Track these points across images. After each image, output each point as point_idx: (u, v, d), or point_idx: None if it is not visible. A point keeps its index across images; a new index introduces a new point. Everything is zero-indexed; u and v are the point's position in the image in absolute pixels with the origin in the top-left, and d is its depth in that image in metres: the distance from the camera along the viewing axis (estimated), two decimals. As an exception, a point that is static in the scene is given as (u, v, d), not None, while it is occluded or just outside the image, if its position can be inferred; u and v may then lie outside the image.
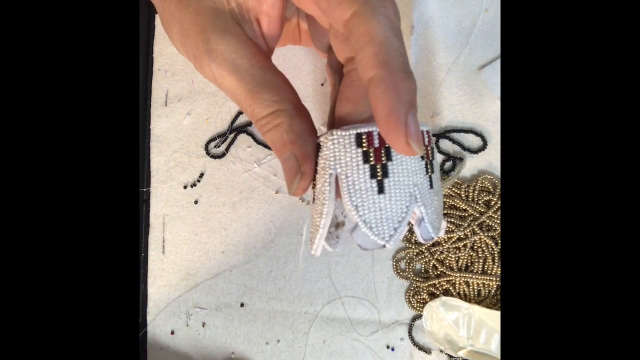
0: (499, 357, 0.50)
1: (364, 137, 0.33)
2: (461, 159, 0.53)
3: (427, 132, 0.35)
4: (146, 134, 0.54)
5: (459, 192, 0.53)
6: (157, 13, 0.54)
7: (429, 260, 0.52)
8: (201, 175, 0.53)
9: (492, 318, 0.50)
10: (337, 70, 0.40)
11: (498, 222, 0.52)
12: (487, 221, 0.52)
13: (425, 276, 0.53)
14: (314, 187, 0.36)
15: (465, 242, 0.52)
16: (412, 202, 0.34)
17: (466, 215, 0.52)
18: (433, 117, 0.53)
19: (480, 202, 0.52)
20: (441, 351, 0.52)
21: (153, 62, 0.54)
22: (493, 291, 0.52)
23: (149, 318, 0.53)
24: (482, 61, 0.53)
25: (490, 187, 0.52)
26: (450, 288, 0.52)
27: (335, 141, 0.34)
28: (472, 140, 0.53)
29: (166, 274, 0.53)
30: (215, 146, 0.53)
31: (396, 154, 0.33)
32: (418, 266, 0.53)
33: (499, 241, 0.52)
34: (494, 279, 0.51)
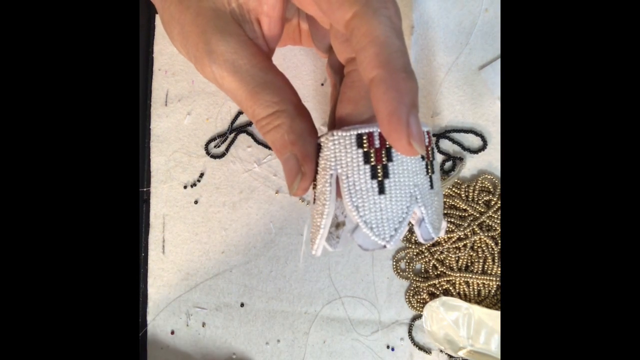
0: (499, 357, 0.50)
1: (364, 137, 0.33)
2: (461, 159, 0.53)
3: (428, 132, 0.35)
4: (146, 134, 0.54)
5: (459, 192, 0.53)
6: (157, 13, 0.54)
7: (429, 260, 0.52)
8: (201, 175, 0.53)
9: (492, 318, 0.50)
10: (338, 71, 0.40)
11: (498, 222, 0.52)
12: (487, 221, 0.52)
13: (425, 276, 0.53)
14: (314, 188, 0.36)
15: (465, 242, 0.52)
16: (412, 202, 0.34)
17: (466, 215, 0.52)
18: (433, 117, 0.53)
19: (480, 202, 0.52)
20: (441, 351, 0.52)
21: (153, 62, 0.54)
22: (493, 291, 0.52)
23: (149, 318, 0.53)
24: (482, 61, 0.53)
25: (490, 187, 0.52)
26: (450, 288, 0.52)
27: (336, 142, 0.34)
28: (472, 140, 0.53)
29: (166, 274, 0.53)
30: (215, 146, 0.53)
31: (397, 155, 0.33)
32: (418, 266, 0.53)
33: (499, 241, 0.52)
34: (494, 279, 0.51)
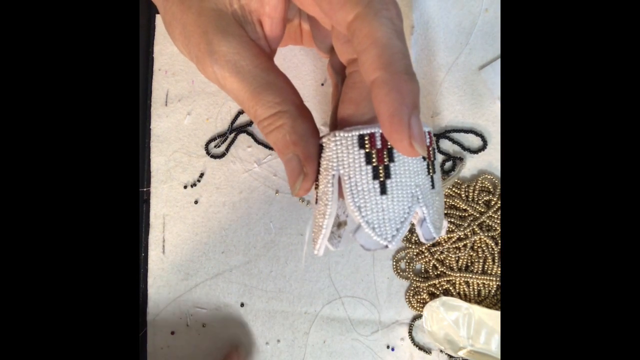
0: (499, 357, 0.50)
1: (366, 138, 0.33)
2: (461, 159, 0.53)
3: (429, 132, 0.35)
4: (146, 134, 0.53)
5: (459, 192, 0.53)
6: (158, 13, 0.54)
7: (429, 260, 0.53)
8: (201, 175, 0.53)
9: (492, 318, 0.50)
10: (339, 71, 0.40)
11: (498, 222, 0.52)
12: (487, 221, 0.52)
13: (425, 276, 0.53)
14: (316, 188, 0.37)
15: (465, 242, 0.52)
16: (414, 202, 0.34)
17: (466, 215, 0.52)
18: (433, 117, 0.53)
19: (480, 202, 0.52)
20: (441, 351, 0.52)
21: (153, 62, 0.54)
22: (493, 291, 0.52)
23: (149, 318, 0.53)
24: (482, 61, 0.53)
25: (490, 187, 0.53)
26: (450, 288, 0.52)
27: (338, 142, 0.34)
28: (472, 140, 0.53)
29: (166, 274, 0.53)
30: (215, 146, 0.53)
31: (398, 155, 0.34)
32: (418, 266, 0.54)
33: (499, 241, 0.52)
34: (494, 279, 0.51)
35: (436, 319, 0.51)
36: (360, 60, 0.30)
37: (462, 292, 0.52)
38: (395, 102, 0.29)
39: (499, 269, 0.52)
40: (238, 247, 0.53)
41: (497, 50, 0.53)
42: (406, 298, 0.53)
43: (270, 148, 0.53)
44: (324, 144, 0.35)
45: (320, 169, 0.36)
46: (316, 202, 0.37)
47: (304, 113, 0.37)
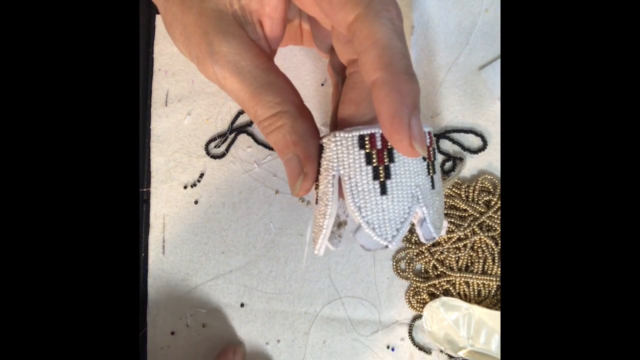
0: (499, 357, 0.50)
1: (366, 138, 0.33)
2: (461, 159, 0.53)
3: (429, 133, 0.35)
4: (146, 134, 0.53)
5: (459, 192, 0.53)
6: (158, 13, 0.54)
7: (429, 260, 0.53)
8: (201, 175, 0.53)
9: (492, 318, 0.50)
10: (340, 72, 0.40)
11: (498, 222, 0.52)
12: (487, 221, 0.52)
13: (425, 276, 0.53)
14: (316, 188, 0.37)
15: (465, 242, 0.52)
16: (414, 202, 0.34)
17: (466, 215, 0.52)
18: (433, 117, 0.53)
19: (480, 202, 0.52)
20: (441, 351, 0.52)
21: (153, 62, 0.54)
22: (493, 291, 0.52)
23: (149, 318, 0.53)
24: (482, 61, 0.53)
25: (490, 187, 0.53)
26: (451, 288, 0.52)
27: (338, 143, 0.34)
28: (472, 140, 0.53)
29: (166, 274, 0.53)
30: (215, 146, 0.53)
31: (398, 156, 0.34)
32: (418, 266, 0.54)
33: (499, 241, 0.52)
34: (494, 279, 0.51)
35: (436, 319, 0.51)
36: (361, 60, 0.30)
37: (462, 293, 0.52)
38: (396, 103, 0.29)
39: (499, 269, 0.52)
40: (238, 247, 0.53)
41: (497, 50, 0.53)
42: (406, 298, 0.53)
43: (270, 148, 0.53)
44: (324, 144, 0.35)
45: (321, 169, 0.36)
46: (316, 202, 0.37)
47: (304, 113, 0.37)
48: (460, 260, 0.52)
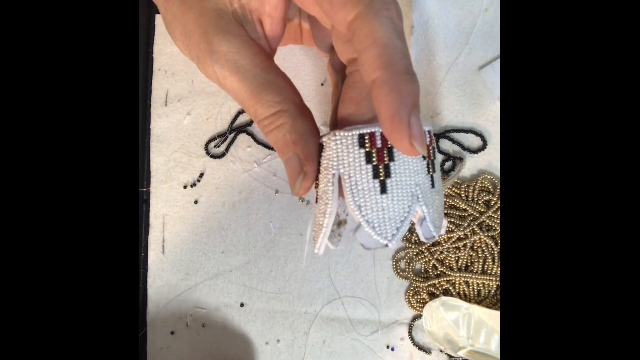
0: (499, 357, 0.50)
1: (366, 137, 0.33)
2: (461, 159, 0.53)
3: (429, 132, 0.35)
4: (146, 134, 0.53)
5: (459, 192, 0.53)
6: (158, 13, 0.54)
7: (429, 260, 0.53)
8: (201, 175, 0.53)
9: (492, 318, 0.50)
10: (340, 71, 0.40)
11: (498, 222, 0.52)
12: (487, 221, 0.52)
13: (425, 276, 0.53)
14: (317, 187, 0.37)
15: (465, 242, 0.52)
16: (414, 202, 0.34)
17: (466, 215, 0.52)
18: (433, 117, 0.53)
19: (480, 202, 0.52)
20: (441, 351, 0.52)
21: (153, 62, 0.54)
22: (493, 291, 0.52)
23: (149, 318, 0.53)
24: (482, 61, 0.53)
25: (490, 187, 0.53)
26: (451, 288, 0.52)
27: (339, 142, 0.34)
28: (472, 140, 0.53)
29: (166, 274, 0.53)
30: (215, 146, 0.53)
31: (399, 155, 0.34)
32: (418, 266, 0.54)
33: (499, 241, 0.52)
34: (494, 279, 0.51)
35: (436, 319, 0.51)
36: (361, 60, 0.30)
37: (462, 292, 0.52)
38: (396, 102, 0.29)
39: (499, 269, 0.52)
40: (238, 247, 0.53)
41: (497, 50, 0.53)
42: (406, 298, 0.53)
43: (271, 148, 0.53)
44: (324, 144, 0.35)
45: (321, 168, 0.36)
46: (316, 202, 0.37)
47: (305, 112, 0.37)
48: (460, 260, 0.52)
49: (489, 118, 0.53)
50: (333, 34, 0.38)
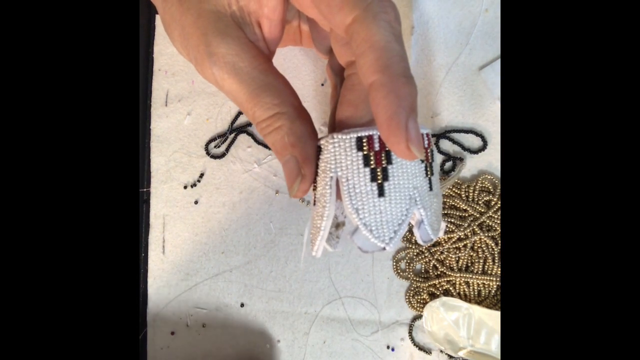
0: (499, 357, 0.50)
1: (364, 140, 0.33)
2: (461, 159, 0.53)
3: (427, 134, 0.35)
4: (146, 134, 0.54)
5: (459, 192, 0.53)
6: (157, 13, 0.54)
7: (429, 260, 0.52)
8: (201, 175, 0.53)
9: (492, 318, 0.50)
10: (338, 73, 0.40)
11: (498, 222, 0.52)
12: (487, 221, 0.52)
13: (425, 276, 0.53)
14: (314, 189, 0.37)
15: (465, 242, 0.52)
16: (412, 204, 0.34)
17: (466, 215, 0.52)
18: (433, 118, 0.53)
19: (480, 202, 0.52)
20: (441, 351, 0.52)
21: (153, 63, 0.54)
22: (493, 291, 0.52)
23: (149, 318, 0.53)
24: (482, 61, 0.53)
25: (490, 187, 0.53)
26: (451, 288, 0.52)
27: (336, 144, 0.34)
28: (472, 141, 0.53)
29: (166, 274, 0.53)
30: (215, 146, 0.53)
31: (396, 157, 0.34)
32: (418, 266, 0.54)
33: (499, 241, 0.52)
34: (494, 279, 0.51)
35: (436, 319, 0.51)
36: (359, 63, 0.30)
37: (462, 293, 0.52)
38: (393, 105, 0.29)
39: (499, 269, 0.52)
40: (238, 247, 0.53)
41: (497, 50, 0.53)
42: (406, 298, 0.53)
43: (270, 148, 0.53)
44: (322, 146, 0.35)
45: (319, 170, 0.36)
46: (314, 204, 0.37)
47: (302, 115, 0.37)
48: (461, 260, 0.52)
49: (489, 118, 0.53)
50: (331, 37, 0.38)
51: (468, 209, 0.52)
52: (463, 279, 0.52)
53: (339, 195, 0.35)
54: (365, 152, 0.33)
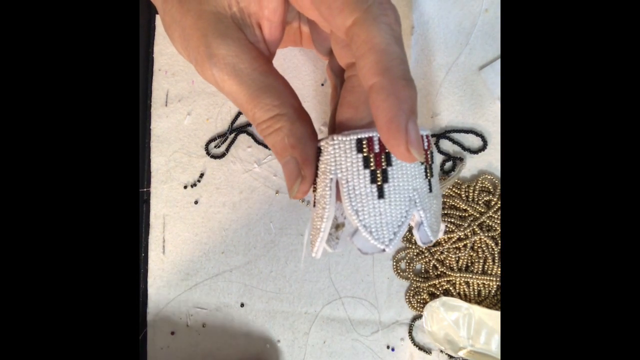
0: (499, 357, 0.50)
1: (364, 142, 0.33)
2: (461, 159, 0.53)
3: (427, 136, 0.35)
4: (146, 134, 0.54)
5: (459, 192, 0.53)
6: (157, 13, 0.54)
7: (429, 260, 0.53)
8: (201, 175, 0.53)
9: (492, 318, 0.50)
10: (338, 74, 0.40)
11: (498, 222, 0.52)
12: (487, 221, 0.52)
13: (425, 276, 0.53)
14: (314, 191, 0.37)
15: (465, 242, 0.52)
16: (411, 206, 0.34)
17: (466, 215, 0.52)
18: (433, 118, 0.53)
19: (480, 202, 0.52)
20: (441, 351, 0.52)
21: (153, 63, 0.54)
22: (493, 291, 0.52)
23: (149, 318, 0.53)
24: (482, 61, 0.53)
25: (490, 187, 0.53)
26: (451, 288, 0.52)
27: (336, 146, 0.34)
28: (472, 141, 0.53)
29: (166, 274, 0.53)
30: (215, 146, 0.53)
31: (396, 159, 0.34)
32: (418, 266, 0.54)
33: (499, 241, 0.52)
34: (494, 279, 0.51)
35: (436, 319, 0.51)
36: (359, 65, 0.30)
37: (462, 292, 0.52)
38: (393, 108, 0.29)
39: (499, 269, 0.52)
40: (238, 247, 0.53)
41: (497, 50, 0.53)
42: (406, 298, 0.53)
43: (270, 149, 0.53)
44: (322, 147, 0.35)
45: (318, 172, 0.36)
46: (314, 205, 0.37)
47: (303, 116, 0.37)
48: (461, 260, 0.52)
49: (489, 118, 0.53)
50: (331, 38, 0.38)
51: (468, 209, 0.52)
52: (463, 279, 0.52)
53: (338, 197, 0.35)
54: (365, 154, 0.33)
